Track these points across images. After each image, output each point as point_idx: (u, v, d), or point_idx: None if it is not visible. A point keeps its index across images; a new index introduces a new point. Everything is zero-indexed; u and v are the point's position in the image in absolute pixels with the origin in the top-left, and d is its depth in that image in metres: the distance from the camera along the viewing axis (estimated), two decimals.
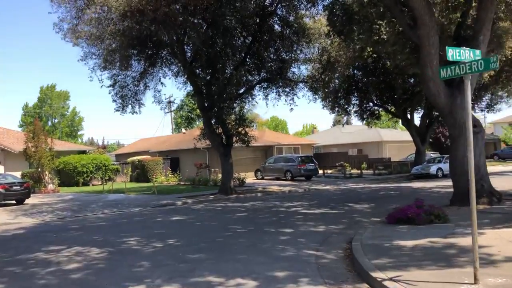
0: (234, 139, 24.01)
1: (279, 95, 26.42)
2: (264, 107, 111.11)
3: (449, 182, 25.07)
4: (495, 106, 35.02)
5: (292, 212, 14.75)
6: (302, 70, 27.42)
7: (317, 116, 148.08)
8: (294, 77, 26.71)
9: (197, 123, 35.30)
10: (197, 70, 23.12)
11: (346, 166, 38.52)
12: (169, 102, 24.05)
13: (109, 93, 23.01)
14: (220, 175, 28.20)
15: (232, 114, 24.13)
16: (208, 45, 21.22)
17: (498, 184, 20.62)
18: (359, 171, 36.46)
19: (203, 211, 16.49)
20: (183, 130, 48.40)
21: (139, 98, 24.10)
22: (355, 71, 29.89)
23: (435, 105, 13.92)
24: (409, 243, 8.56)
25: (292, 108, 28.64)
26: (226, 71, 23.28)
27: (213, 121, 23.71)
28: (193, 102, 24.79)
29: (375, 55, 26.24)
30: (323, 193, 22.06)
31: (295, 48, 24.75)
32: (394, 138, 47.36)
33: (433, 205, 11.49)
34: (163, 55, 23.55)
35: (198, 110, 24.79)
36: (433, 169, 29.56)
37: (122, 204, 19.83)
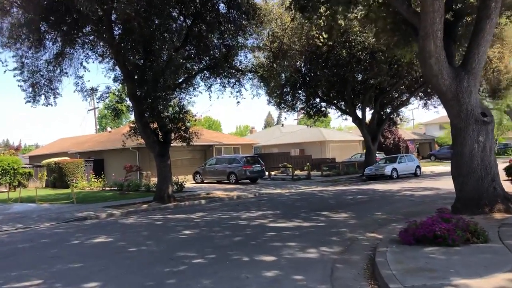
0: (173, 135, 20.18)
1: (224, 86, 23.09)
2: (203, 102, 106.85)
3: (413, 184, 23.27)
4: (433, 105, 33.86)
5: (259, 227, 11.30)
6: (250, 58, 24.13)
7: (252, 117, 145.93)
8: (241, 66, 23.51)
9: (124, 122, 31.04)
10: (128, 52, 18.99)
11: (289, 167, 35.90)
12: (92, 89, 19.20)
13: (17, 79, 18.36)
14: (153, 179, 24.09)
15: (170, 106, 20.28)
16: (140, 22, 17.28)
17: None
18: (305, 172, 33.86)
19: (137, 227, 12.57)
20: (109, 129, 43.32)
21: (55, 86, 19.62)
22: (305, 63, 27.05)
23: (436, 88, 11.17)
24: (481, 285, 5.47)
25: (239, 102, 25.54)
26: (163, 55, 19.44)
27: (146, 114, 19.71)
28: (120, 90, 20.55)
29: (331, 43, 23.58)
30: (279, 198, 18.85)
31: (242, 33, 21.44)
32: (337, 137, 45.53)
33: (462, 217, 8.59)
34: (85, 32, 19.24)
35: (128, 101, 20.60)
36: (387, 169, 27.52)
37: (30, 218, 15.34)
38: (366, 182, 25.86)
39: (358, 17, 15.67)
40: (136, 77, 19.00)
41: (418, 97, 32.27)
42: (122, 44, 18.60)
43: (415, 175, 29.12)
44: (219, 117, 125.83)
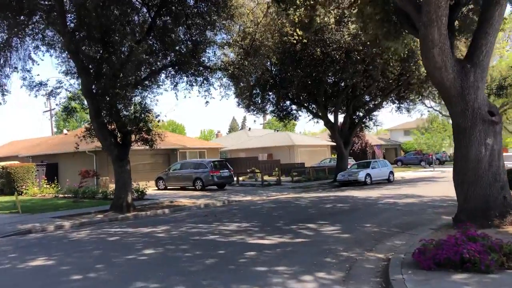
0: (134, 137, 18.14)
1: (191, 85, 21.33)
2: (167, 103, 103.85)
3: (392, 191, 21.49)
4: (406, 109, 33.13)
5: (235, 244, 9.53)
6: (219, 56, 22.40)
7: (216, 122, 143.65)
8: (209, 63, 21.83)
9: (84, 123, 28.56)
10: (82, 42, 16.86)
11: (258, 172, 34.30)
12: (41, 84, 16.88)
13: None
14: (112, 186, 21.88)
15: (131, 104, 18.24)
16: (97, 11, 15.28)
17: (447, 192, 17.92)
18: (274, 178, 32.33)
19: (87, 244, 10.53)
20: (65, 131, 40.41)
21: (2, 82, 17.36)
22: (277, 63, 25.48)
23: (439, 83, 9.78)
24: None
25: (207, 101, 23.60)
26: (124, 47, 17.42)
27: (104, 113, 17.61)
28: (73, 85, 18.30)
29: (305, 41, 22.18)
30: (252, 207, 17.13)
31: (211, 27, 19.74)
32: (305, 142, 44.30)
33: (487, 234, 7.14)
34: (35, 20, 17.02)
35: (83, 99, 18.37)
36: (361, 175, 26.31)
37: None
38: (340, 189, 24.52)
39: (342, 6, 14.21)
40: (91, 70, 16.91)
41: (390, 101, 31.39)
42: (76, 33, 16.51)
43: (388, 181, 28.08)
44: (183, 121, 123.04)
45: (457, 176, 9.95)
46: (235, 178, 28.64)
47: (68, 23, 16.65)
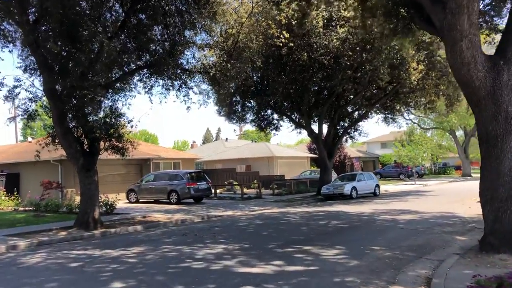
0: (103, 145, 16.18)
1: (168, 89, 19.69)
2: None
3: (384, 206, 19.66)
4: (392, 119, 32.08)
5: (225, 275, 7.74)
6: (199, 58, 20.73)
7: (190, 133, 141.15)
8: (188, 66, 20.22)
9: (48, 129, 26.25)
10: (44, 35, 14.88)
11: (236, 184, 32.56)
12: None
13: None
14: (78, 199, 19.73)
15: (100, 108, 16.33)
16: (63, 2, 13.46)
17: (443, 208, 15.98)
18: (254, 191, 30.64)
19: (40, 274, 8.54)
20: (30, 139, 37.76)
21: None
22: (259, 68, 23.88)
23: (466, 82, 8.33)
24: None
25: (189, 107, 21.78)
26: (94, 44, 15.53)
27: (69, 116, 15.64)
28: (32, 84, 16.23)
29: (292, 44, 20.71)
30: (237, 224, 15.34)
31: (191, 26, 18.19)
32: (285, 154, 42.81)
33: None
34: None
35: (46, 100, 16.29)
36: (347, 188, 24.87)
37: None
38: (326, 203, 22.98)
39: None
40: (56, 68, 14.91)
41: (375, 111, 30.27)
42: (38, 26, 14.56)
43: (374, 194, 26.75)
44: (156, 132, 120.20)
45: (486, 192, 8.48)
46: (212, 191, 26.80)
47: (29, 15, 14.69)
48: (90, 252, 10.66)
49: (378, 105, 27.73)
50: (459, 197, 22.59)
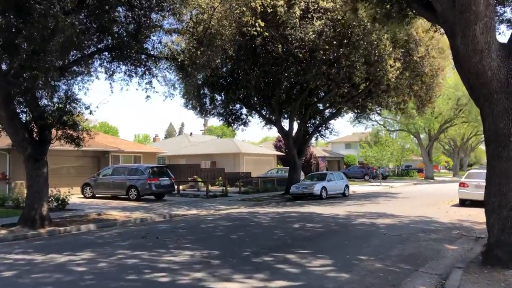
0: (55, 133, 14.45)
1: (130, 75, 18.10)
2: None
3: (357, 207, 18.67)
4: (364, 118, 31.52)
5: None
6: (166, 43, 19.17)
7: (151, 127, 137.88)
8: (154, 51, 18.70)
9: None
10: None
11: (200, 181, 31.16)
12: None
13: None
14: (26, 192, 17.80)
15: (54, 92, 14.58)
16: None
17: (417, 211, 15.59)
18: (219, 188, 29.31)
19: None
20: None
21: None
22: (230, 58, 22.46)
23: (477, 73, 7.28)
24: None
25: (149, 96, 20.07)
26: (48, 20, 13.73)
27: (16, 99, 13.85)
28: None
29: (267, 34, 19.49)
30: (203, 225, 13.95)
31: (158, 8, 16.69)
32: (252, 150, 41.62)
33: None
34: None
35: None
36: (317, 188, 23.91)
37: None
38: (296, 203, 21.92)
39: None
40: (1, 43, 13.06)
41: (346, 110, 29.53)
42: None
43: (343, 195, 25.97)
44: (117, 124, 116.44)
45: (493, 198, 7.48)
46: (175, 187, 25.25)
47: None
48: (31, 256, 9.04)
49: (350, 104, 26.92)
50: (431, 201, 22.01)
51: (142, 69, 18.46)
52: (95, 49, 16.68)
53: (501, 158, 7.33)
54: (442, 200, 22.12)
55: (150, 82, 18.57)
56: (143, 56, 18.35)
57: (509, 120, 7.20)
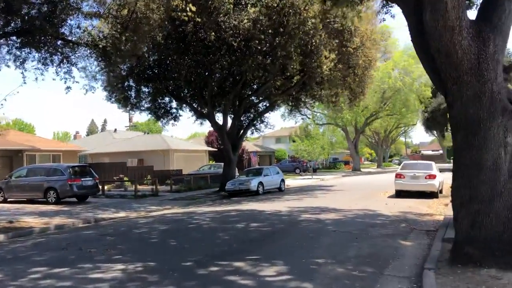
0: None
1: (46, 64, 16.22)
2: None
3: (296, 202, 18.09)
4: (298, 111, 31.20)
5: None
6: (87, 27, 17.23)
7: (72, 124, 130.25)
8: (72, 37, 16.85)
9: None
10: None
11: (127, 180, 29.21)
12: None
13: None
14: None
15: None
16: None
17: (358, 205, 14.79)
18: (148, 187, 27.54)
19: None
20: None
21: None
22: (158, 45, 20.79)
23: (447, 52, 6.56)
24: None
25: (69, 87, 17.83)
26: None
27: None
28: None
29: (199, 20, 18.17)
30: (135, 230, 12.41)
31: None
32: (182, 147, 39.94)
33: None
34: None
35: None
36: (253, 184, 23.02)
37: None
38: (233, 200, 20.87)
39: None
40: None
41: (280, 104, 28.95)
42: None
43: (279, 190, 25.34)
44: (33, 122, 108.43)
45: (463, 191, 6.87)
46: (100, 188, 23.19)
47: None
48: None
49: (284, 96, 26.31)
50: (366, 192, 21.94)
51: (59, 57, 16.68)
52: (0, 32, 14.66)
53: (471, 147, 6.73)
54: (377, 191, 22.11)
55: (69, 71, 16.81)
56: (59, 42, 16.52)
57: (480, 105, 6.61)
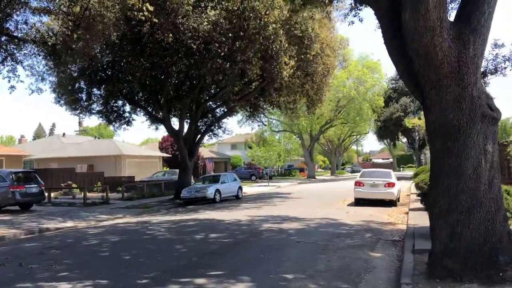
0: None
1: None
2: None
3: (256, 211, 17.58)
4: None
5: None
6: (34, 23, 16.04)
7: (17, 128, 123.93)
8: (18, 33, 15.76)
9: None
10: None
11: (76, 188, 27.67)
12: None
13: None
14: None
15: None
16: None
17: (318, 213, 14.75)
18: (99, 194, 26.11)
19: None
20: None
21: None
22: (111, 46, 19.72)
23: (427, 53, 6.21)
24: None
25: (13, 86, 16.36)
26: None
27: None
28: None
29: (156, 21, 17.35)
30: (84, 242, 11.37)
31: None
32: (135, 152, 38.50)
33: None
34: None
35: None
36: (210, 191, 22.27)
37: None
38: (189, 208, 20.01)
39: None
40: None
41: (237, 109, 28.39)
42: None
43: (237, 197, 24.73)
44: None
45: (441, 200, 6.52)
46: (46, 195, 21.67)
47: None
48: None
49: (243, 102, 25.79)
50: (325, 200, 21.70)
51: (3, 54, 15.45)
52: None
53: (450, 154, 6.41)
54: (335, 199, 21.93)
55: (13, 70, 15.61)
56: (3, 38, 15.32)
57: (459, 110, 6.31)
